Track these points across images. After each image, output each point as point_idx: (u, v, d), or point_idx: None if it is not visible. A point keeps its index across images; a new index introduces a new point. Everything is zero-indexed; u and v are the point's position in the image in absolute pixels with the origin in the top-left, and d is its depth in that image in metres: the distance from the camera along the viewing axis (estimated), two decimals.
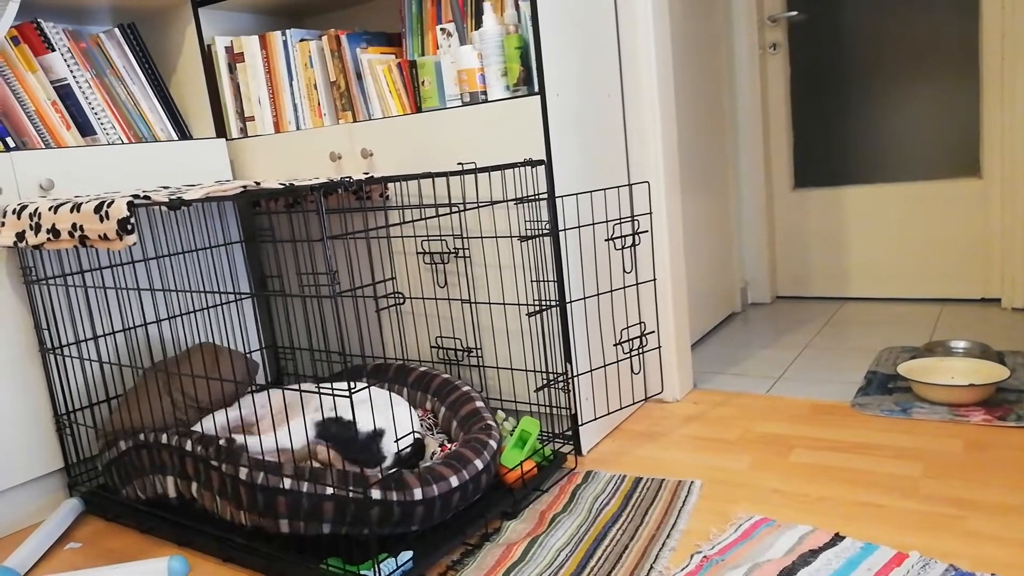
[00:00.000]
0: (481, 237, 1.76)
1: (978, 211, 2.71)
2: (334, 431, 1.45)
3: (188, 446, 1.47)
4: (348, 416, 1.46)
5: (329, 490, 1.29)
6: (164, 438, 1.52)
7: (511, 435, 1.64)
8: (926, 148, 2.78)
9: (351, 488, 1.28)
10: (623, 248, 1.92)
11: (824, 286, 3.04)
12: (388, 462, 1.49)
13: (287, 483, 1.32)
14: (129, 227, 1.31)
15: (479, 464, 1.42)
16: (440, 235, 1.82)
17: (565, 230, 1.69)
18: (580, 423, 1.75)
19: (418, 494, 1.30)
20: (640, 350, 1.99)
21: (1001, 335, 2.34)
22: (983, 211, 2.70)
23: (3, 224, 1.55)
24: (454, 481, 1.36)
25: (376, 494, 1.27)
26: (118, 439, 1.62)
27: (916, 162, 2.80)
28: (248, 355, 1.78)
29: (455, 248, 1.80)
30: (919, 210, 2.81)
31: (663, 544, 1.34)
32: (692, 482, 1.57)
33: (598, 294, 1.81)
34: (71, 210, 1.39)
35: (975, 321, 2.52)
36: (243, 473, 1.36)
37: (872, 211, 2.89)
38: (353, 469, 1.42)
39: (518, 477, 1.53)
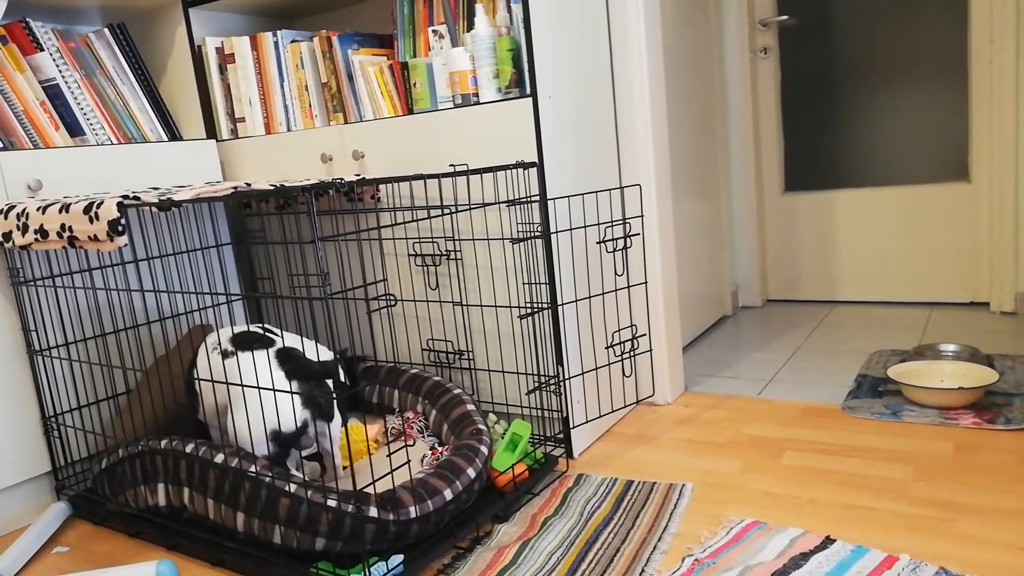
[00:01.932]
0: (473, 239, 1.76)
1: (967, 215, 2.72)
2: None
3: (187, 448, 1.46)
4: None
5: (331, 502, 1.28)
6: (161, 444, 1.51)
7: (502, 438, 1.64)
8: (916, 152, 2.79)
9: (351, 503, 1.27)
10: (615, 251, 1.92)
11: (814, 289, 3.05)
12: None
13: (292, 487, 1.32)
14: (120, 228, 1.30)
15: (472, 473, 1.41)
16: (432, 237, 1.82)
17: (557, 232, 1.69)
18: (571, 426, 1.75)
19: (413, 512, 1.29)
20: (632, 353, 2.00)
21: (990, 338, 2.35)
22: (972, 215, 2.71)
23: None
24: (448, 494, 1.35)
25: (372, 512, 1.26)
26: (116, 448, 1.61)
27: (906, 166, 2.82)
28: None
29: (447, 250, 1.80)
30: (909, 214, 2.82)
31: (654, 547, 1.34)
32: (683, 485, 1.57)
33: (590, 297, 1.81)
34: (60, 211, 1.38)
35: (964, 325, 2.53)
36: (254, 468, 1.36)
37: (862, 215, 2.90)
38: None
39: (509, 480, 1.53)
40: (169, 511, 1.52)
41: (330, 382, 1.48)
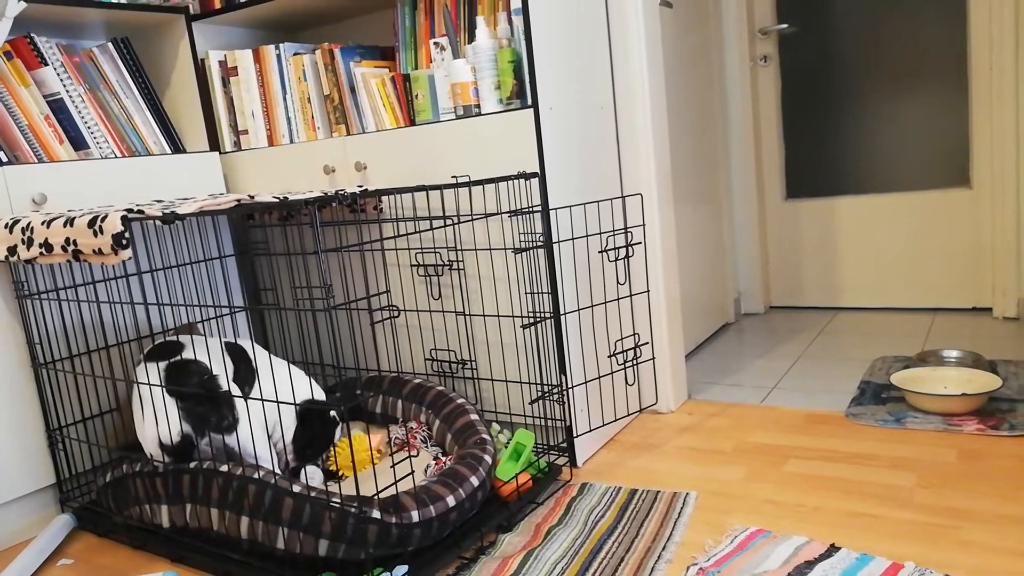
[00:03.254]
0: (475, 249, 1.76)
1: (969, 221, 2.72)
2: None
3: (191, 464, 1.47)
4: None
5: (335, 501, 1.28)
6: (161, 467, 1.51)
7: (506, 448, 1.64)
8: (917, 158, 2.80)
9: (354, 506, 1.27)
10: (617, 260, 1.93)
11: (817, 296, 3.05)
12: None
13: (296, 488, 1.33)
14: (124, 241, 1.30)
15: (475, 481, 1.41)
16: (434, 248, 1.82)
17: (559, 242, 1.69)
18: (575, 435, 1.75)
19: (415, 516, 1.30)
20: (634, 361, 2.00)
21: (993, 344, 2.35)
22: (974, 221, 2.72)
23: None
24: (451, 501, 1.35)
25: (375, 514, 1.27)
26: (116, 463, 1.62)
27: (907, 172, 2.82)
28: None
29: (449, 261, 1.81)
30: (910, 220, 2.83)
31: (659, 556, 1.34)
32: (687, 493, 1.57)
33: (592, 306, 1.82)
34: (64, 224, 1.39)
35: (967, 331, 2.53)
36: (259, 473, 1.38)
37: (864, 221, 2.91)
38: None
39: (513, 490, 1.53)
40: (172, 530, 1.52)
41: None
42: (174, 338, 1.65)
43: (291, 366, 1.69)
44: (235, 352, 1.65)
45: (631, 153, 1.96)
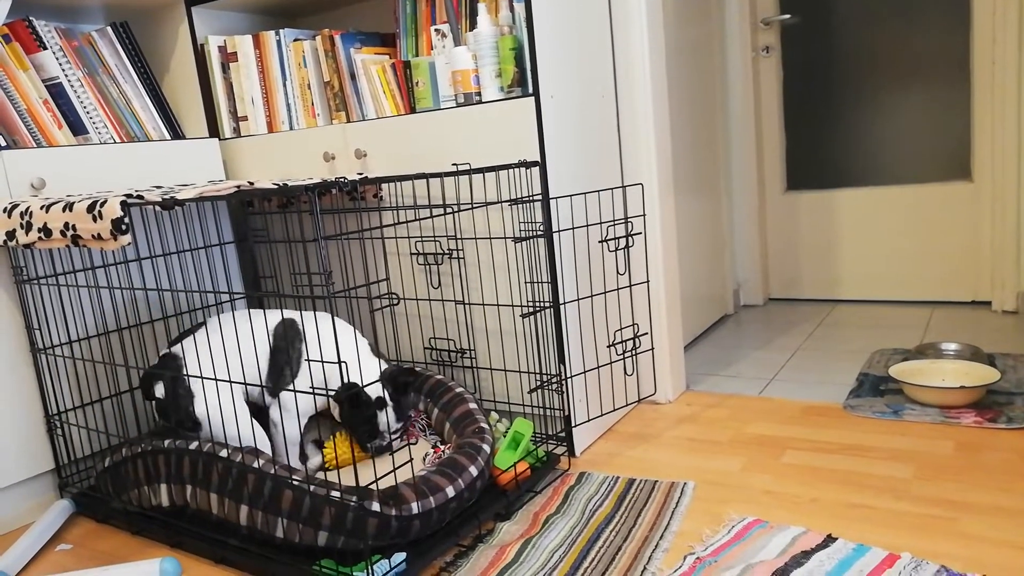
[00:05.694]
0: (475, 238, 1.76)
1: (969, 214, 2.72)
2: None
3: (191, 445, 1.47)
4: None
5: (334, 494, 1.29)
6: (165, 443, 1.51)
7: (504, 436, 1.64)
8: (918, 152, 2.79)
9: (353, 499, 1.28)
10: (617, 250, 1.92)
11: (816, 288, 3.05)
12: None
13: (295, 479, 1.33)
14: (123, 227, 1.30)
15: (474, 471, 1.41)
16: (434, 236, 1.82)
17: (559, 231, 1.69)
18: (573, 424, 1.75)
19: (415, 508, 1.30)
20: (633, 352, 2.00)
21: (991, 337, 2.36)
22: (974, 214, 2.71)
23: None
24: (450, 491, 1.35)
25: (375, 507, 1.27)
26: (115, 448, 1.62)
27: (908, 165, 2.82)
28: None
29: (449, 249, 1.80)
30: (910, 213, 2.82)
31: (656, 545, 1.34)
32: (685, 483, 1.57)
33: (592, 296, 1.82)
34: (63, 209, 1.38)
35: (966, 324, 2.54)
36: (258, 463, 1.38)
37: (864, 214, 2.90)
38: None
39: (511, 479, 1.53)
40: (172, 510, 1.52)
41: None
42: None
43: (357, 335, 1.58)
44: (281, 332, 1.58)
45: (632, 142, 1.95)
